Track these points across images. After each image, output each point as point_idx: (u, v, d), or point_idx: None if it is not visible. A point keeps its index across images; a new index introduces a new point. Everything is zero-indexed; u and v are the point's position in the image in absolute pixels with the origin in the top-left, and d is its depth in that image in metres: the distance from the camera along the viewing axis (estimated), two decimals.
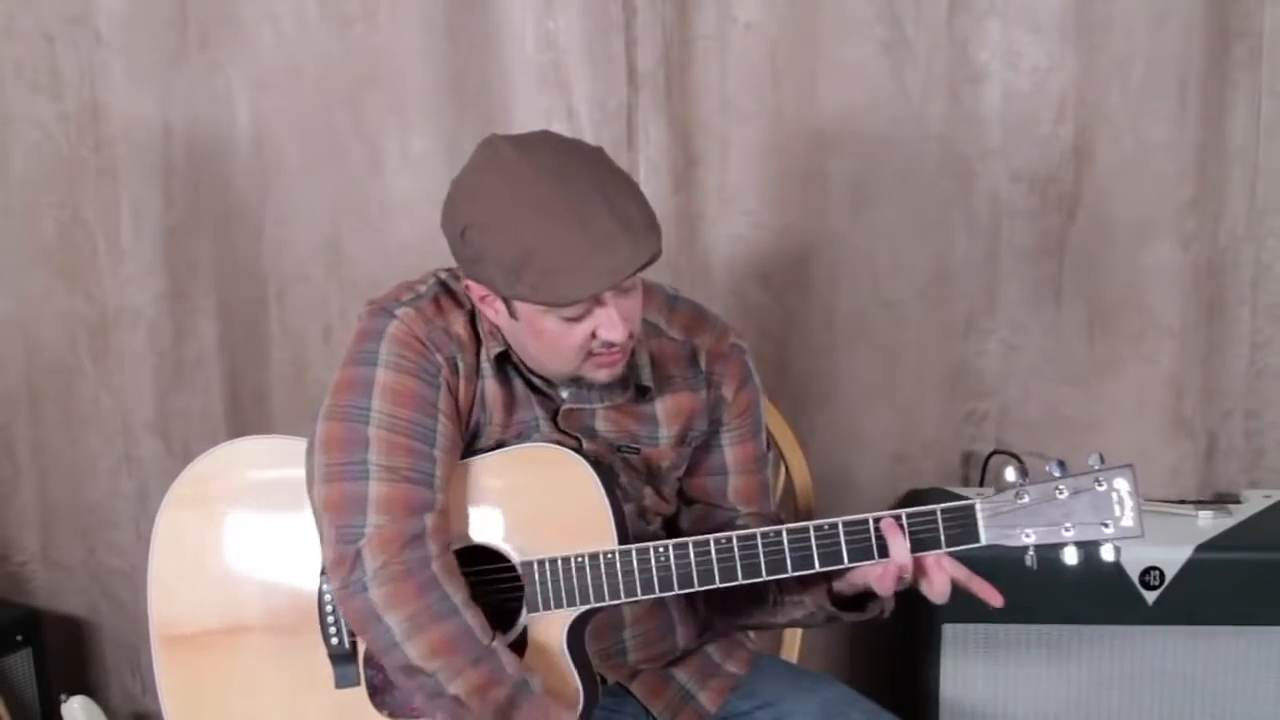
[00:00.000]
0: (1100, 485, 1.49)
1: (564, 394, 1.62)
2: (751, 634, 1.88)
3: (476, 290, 1.54)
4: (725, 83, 2.28)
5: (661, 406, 1.65)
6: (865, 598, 1.60)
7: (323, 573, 1.60)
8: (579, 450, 1.60)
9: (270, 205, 2.35)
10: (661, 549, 1.55)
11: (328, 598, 1.61)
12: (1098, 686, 2.12)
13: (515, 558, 1.57)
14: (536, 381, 1.61)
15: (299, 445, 1.59)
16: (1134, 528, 1.49)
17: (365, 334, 1.58)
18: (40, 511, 2.49)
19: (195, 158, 2.33)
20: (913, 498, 2.38)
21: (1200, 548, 2.07)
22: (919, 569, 1.52)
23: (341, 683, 1.62)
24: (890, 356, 2.37)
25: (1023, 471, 1.51)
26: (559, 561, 1.56)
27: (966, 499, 1.52)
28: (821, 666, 2.35)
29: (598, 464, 1.59)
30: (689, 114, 2.30)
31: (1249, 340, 2.38)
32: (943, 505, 1.52)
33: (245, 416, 2.41)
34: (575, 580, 1.55)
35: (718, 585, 1.55)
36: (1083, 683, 2.12)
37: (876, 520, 1.52)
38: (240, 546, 1.66)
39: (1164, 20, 2.22)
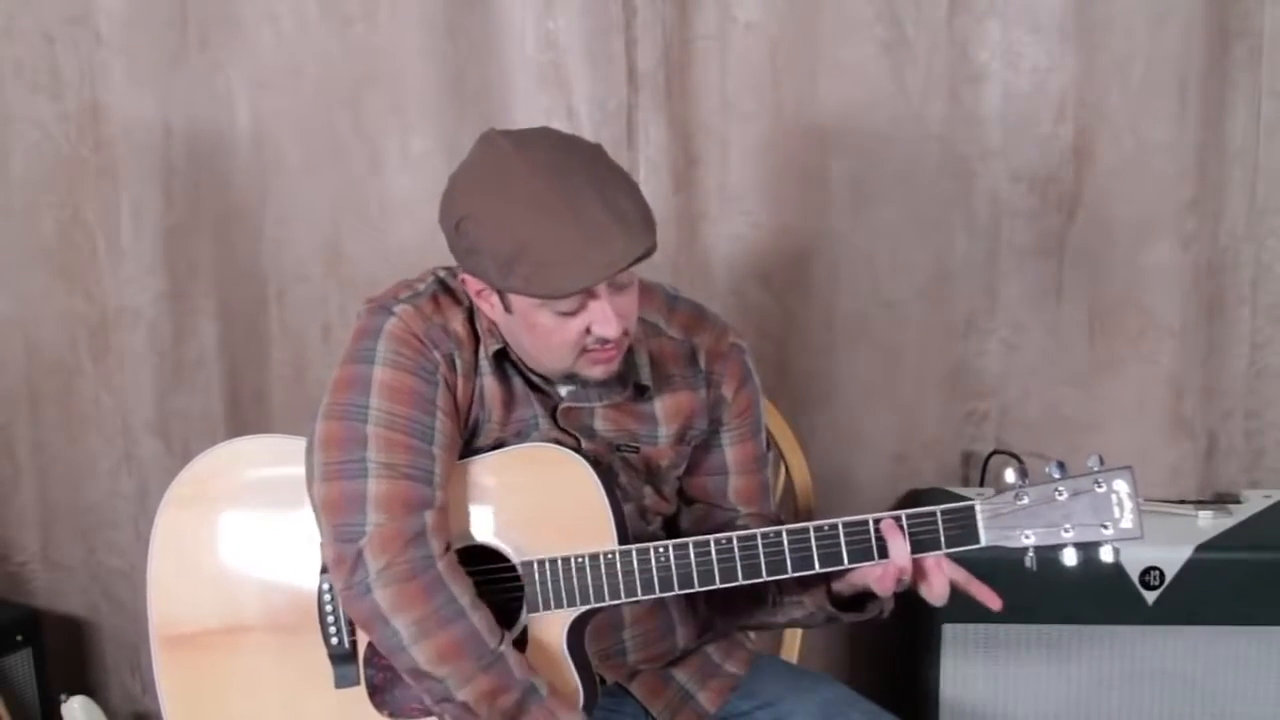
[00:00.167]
0: (1100, 487, 1.49)
1: (563, 392, 1.62)
2: (751, 634, 1.88)
3: (473, 284, 1.54)
4: (725, 83, 2.28)
5: (661, 405, 1.65)
6: (864, 598, 1.60)
7: (323, 572, 1.61)
8: (578, 449, 1.60)
9: (270, 205, 2.35)
10: (661, 549, 1.55)
11: (327, 597, 1.61)
12: (1098, 686, 2.12)
13: (515, 557, 1.57)
14: (535, 379, 1.61)
15: (298, 445, 1.59)
16: (1133, 529, 1.49)
17: (363, 332, 1.59)
18: (40, 511, 2.49)
19: (195, 158, 2.33)
20: (913, 498, 2.38)
21: (1200, 548, 2.07)
22: (918, 571, 1.52)
23: (341, 682, 1.62)
24: (890, 356, 2.37)
25: (1022, 472, 1.51)
26: (559, 561, 1.56)
27: (966, 499, 1.52)
28: (821, 666, 2.35)
29: (597, 464, 1.59)
30: (689, 114, 2.30)
31: (1249, 340, 2.38)
32: (943, 506, 1.52)
33: (245, 416, 2.41)
34: (575, 580, 1.56)
35: (718, 586, 1.55)
36: (1083, 683, 2.12)
37: (876, 521, 1.52)
38: (240, 546, 1.66)
39: (1164, 20, 2.22)
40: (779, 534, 1.54)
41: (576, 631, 1.57)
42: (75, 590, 2.51)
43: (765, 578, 1.54)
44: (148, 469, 2.42)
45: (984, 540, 1.51)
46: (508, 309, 1.52)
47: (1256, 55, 2.27)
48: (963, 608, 1.95)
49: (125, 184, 2.33)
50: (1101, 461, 1.50)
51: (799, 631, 1.96)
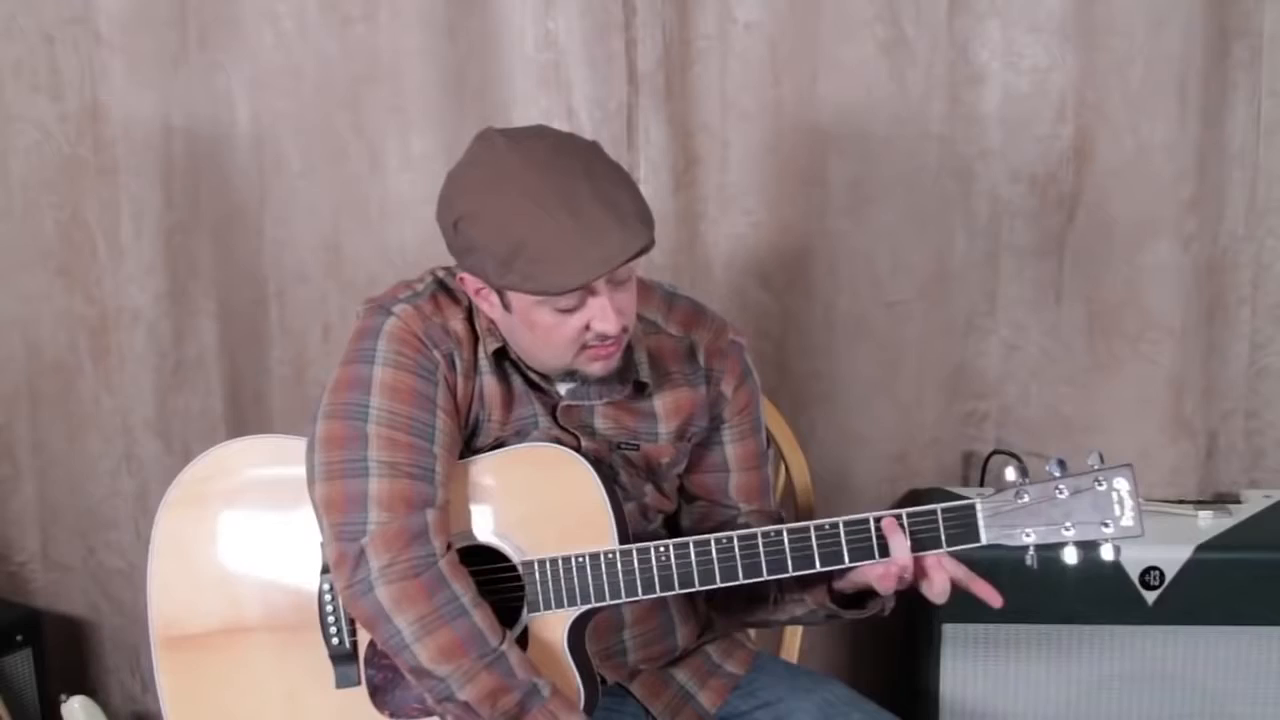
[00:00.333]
0: (1100, 485, 1.49)
1: (562, 390, 1.62)
2: (752, 633, 1.88)
3: (471, 283, 1.54)
4: (725, 83, 2.28)
5: (660, 403, 1.65)
6: (866, 595, 1.60)
7: (324, 572, 1.61)
8: (578, 448, 1.60)
9: (270, 205, 2.35)
10: (662, 549, 1.55)
11: (328, 597, 1.61)
12: (1098, 686, 2.12)
13: (515, 557, 1.57)
14: (534, 378, 1.61)
15: (298, 444, 1.59)
16: (1134, 527, 1.49)
17: (363, 332, 1.59)
18: (40, 511, 2.49)
19: (195, 158, 2.33)
20: (913, 498, 2.38)
21: (1200, 548, 2.07)
22: (919, 569, 1.52)
23: (342, 682, 1.62)
24: (890, 356, 2.37)
25: (1023, 471, 1.51)
26: (559, 561, 1.56)
27: (966, 499, 1.52)
28: (821, 666, 2.35)
29: (597, 463, 1.59)
30: (689, 114, 2.30)
31: (1249, 340, 2.38)
32: (943, 505, 1.52)
33: (245, 416, 2.41)
34: (576, 580, 1.56)
35: (718, 585, 1.55)
36: (1083, 683, 2.12)
37: (877, 520, 1.52)
38: (240, 546, 1.66)
39: (1164, 20, 2.22)
40: (779, 533, 1.54)
41: (577, 631, 1.57)
42: (75, 590, 2.51)
43: (765, 577, 1.54)
44: (148, 469, 2.42)
45: (984, 539, 1.51)
46: (507, 307, 1.52)
47: (1256, 55, 2.27)
48: (963, 608, 1.95)
49: (125, 184, 2.33)
50: (1102, 459, 1.50)
51: (799, 631, 1.96)
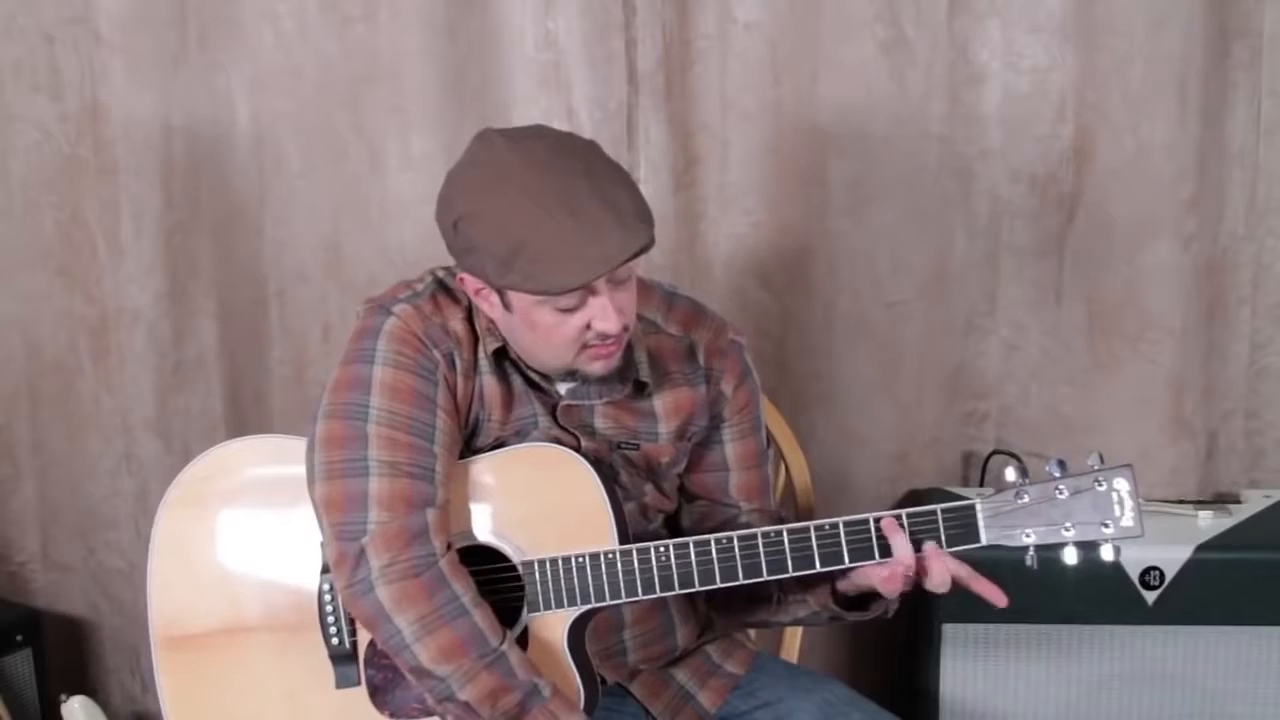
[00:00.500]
0: (1100, 485, 1.49)
1: (562, 390, 1.62)
2: (751, 633, 1.88)
3: (471, 284, 1.54)
4: (725, 83, 2.28)
5: (660, 402, 1.65)
6: (869, 597, 1.60)
7: (324, 572, 1.61)
8: (578, 448, 1.60)
9: (270, 205, 2.35)
10: (662, 549, 1.55)
11: (328, 597, 1.61)
12: (1098, 686, 2.12)
13: (515, 557, 1.57)
14: (534, 377, 1.61)
15: (298, 444, 1.59)
16: (1134, 527, 1.49)
17: (363, 332, 1.59)
18: (40, 511, 2.49)
19: (195, 158, 2.33)
20: (913, 498, 2.38)
21: (1200, 548, 2.07)
22: (920, 567, 1.52)
23: (342, 683, 1.62)
24: (890, 356, 2.37)
25: (1023, 471, 1.51)
26: (559, 561, 1.56)
27: (966, 499, 1.52)
28: (821, 666, 2.35)
29: (597, 463, 1.59)
30: (689, 114, 2.30)
31: (1249, 340, 2.38)
32: (943, 505, 1.52)
33: (245, 416, 2.41)
34: (576, 580, 1.56)
35: (718, 585, 1.55)
36: (1083, 683, 2.12)
37: (877, 520, 1.52)
38: (240, 546, 1.66)
39: (1164, 20, 2.22)
40: (779, 533, 1.54)
41: (577, 631, 1.57)
42: (75, 590, 2.51)
43: (765, 577, 1.54)
44: (148, 469, 2.42)
45: (984, 539, 1.51)
46: (507, 307, 1.52)
47: (1256, 55, 2.27)
48: (963, 608, 1.95)
49: (125, 184, 2.33)
50: (1102, 459, 1.50)
51: (799, 631, 1.96)
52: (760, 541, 1.54)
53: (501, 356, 1.60)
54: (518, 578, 1.57)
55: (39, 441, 2.46)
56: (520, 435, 1.62)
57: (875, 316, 2.36)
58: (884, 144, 2.29)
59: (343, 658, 1.61)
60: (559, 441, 1.60)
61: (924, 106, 2.28)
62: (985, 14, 2.26)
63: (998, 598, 1.52)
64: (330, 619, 1.61)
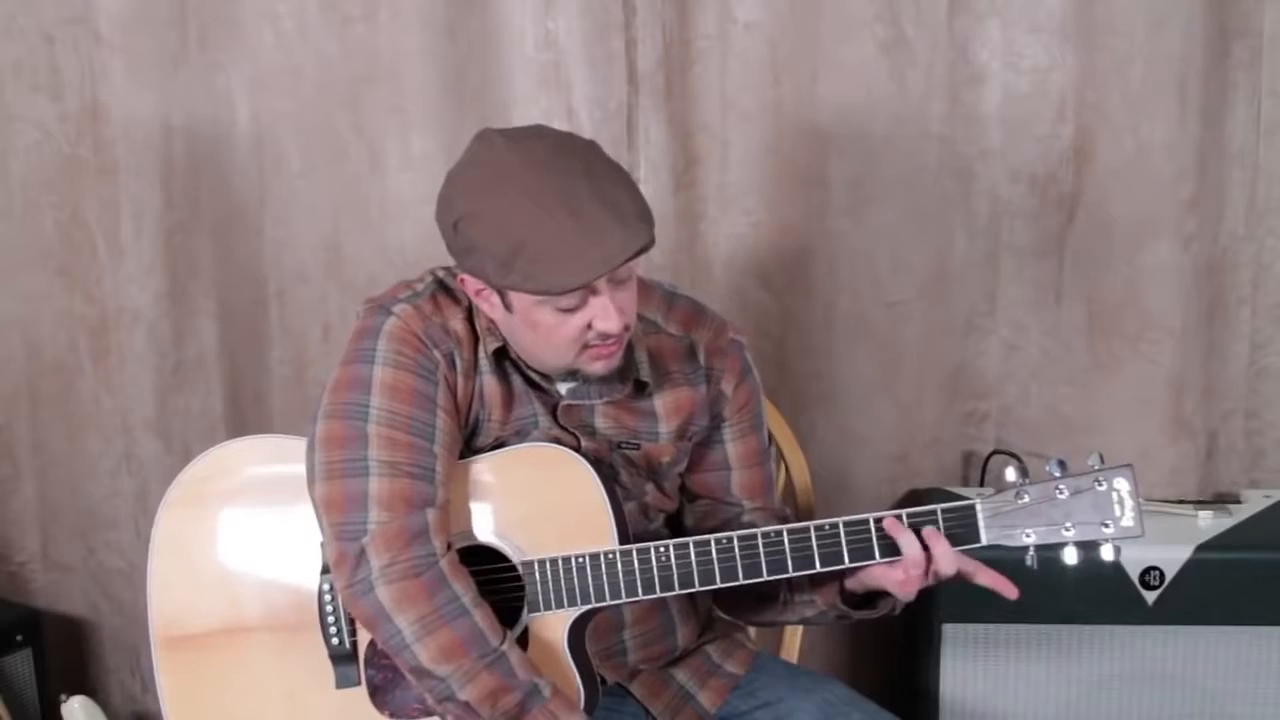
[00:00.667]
0: (1100, 485, 1.49)
1: (562, 390, 1.62)
2: (752, 633, 1.88)
3: (472, 284, 1.54)
4: (725, 83, 2.28)
5: (661, 402, 1.65)
6: (877, 595, 1.60)
7: (324, 572, 1.61)
8: (578, 448, 1.60)
9: (270, 205, 2.35)
10: (662, 549, 1.55)
11: (328, 597, 1.61)
12: (1098, 686, 2.12)
13: (515, 557, 1.57)
14: (535, 377, 1.61)
15: (298, 444, 1.59)
16: (1134, 527, 1.49)
17: (363, 332, 1.59)
18: (40, 511, 2.49)
19: (195, 158, 2.33)
20: (913, 498, 2.38)
21: (1200, 548, 2.07)
22: (926, 555, 1.51)
23: (342, 683, 1.62)
24: (890, 356, 2.37)
25: (1023, 471, 1.51)
26: (559, 561, 1.56)
27: (966, 499, 1.52)
28: (821, 666, 2.35)
29: (598, 463, 1.59)
30: (689, 114, 2.30)
31: (1249, 340, 2.38)
32: (943, 505, 1.52)
33: (245, 416, 2.41)
34: (576, 580, 1.56)
35: (719, 585, 1.55)
36: (1083, 683, 2.12)
37: (878, 520, 1.52)
38: (240, 546, 1.66)
39: (1164, 20, 2.22)
40: (780, 534, 1.54)
41: (577, 631, 1.57)
42: (75, 590, 2.51)
43: (766, 577, 1.54)
44: (148, 469, 2.42)
45: (985, 539, 1.51)
46: (508, 307, 1.52)
47: (1256, 55, 2.27)
48: (963, 608, 1.95)
49: (125, 184, 2.33)
50: (1102, 460, 1.50)
51: (799, 631, 1.96)
52: (760, 542, 1.54)
53: (501, 356, 1.60)
54: (518, 578, 1.57)
55: (39, 441, 2.46)
56: (520, 435, 1.62)
57: (875, 316, 2.36)
58: (884, 144, 2.29)
59: (343, 658, 1.61)
60: (559, 441, 1.60)
61: (924, 106, 2.28)
62: (985, 14, 2.26)
63: (1007, 589, 1.51)
64: (330, 619, 1.61)
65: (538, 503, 1.59)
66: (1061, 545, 1.50)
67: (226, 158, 2.34)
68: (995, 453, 2.38)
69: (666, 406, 1.65)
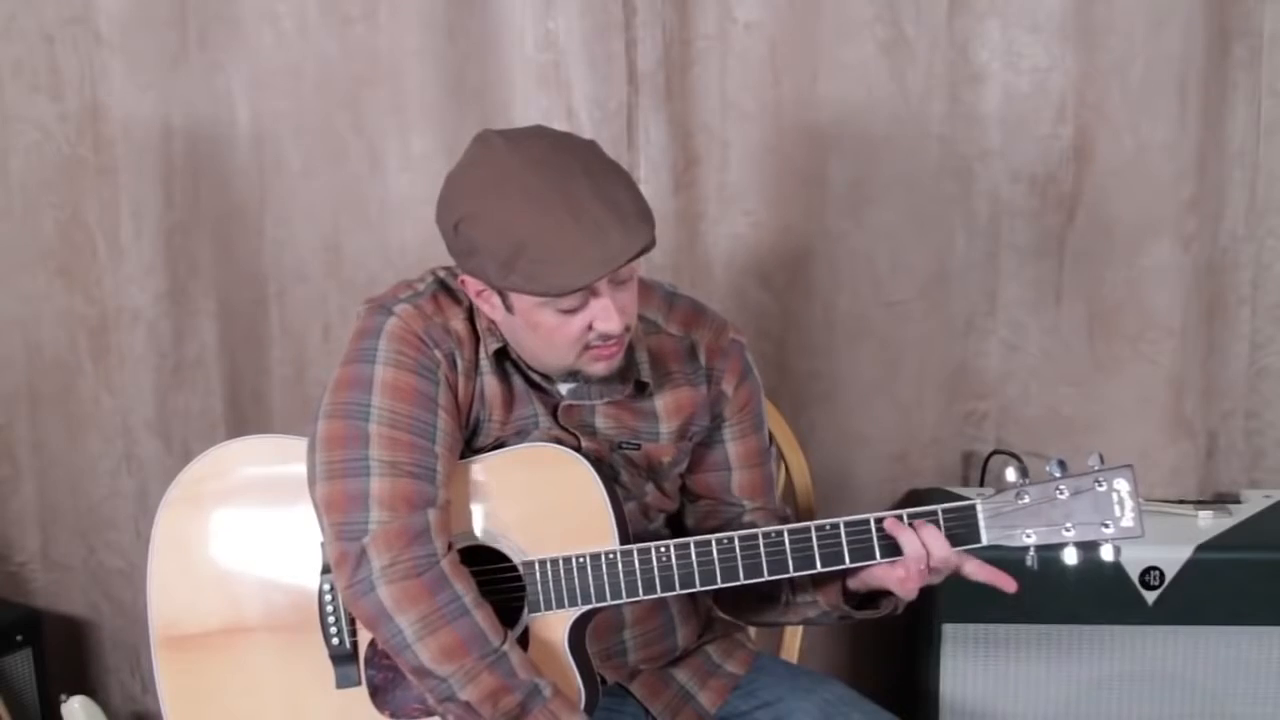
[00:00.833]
0: (1100, 485, 1.49)
1: (563, 390, 1.62)
2: (752, 633, 1.88)
3: (473, 285, 1.54)
4: (725, 83, 2.28)
5: (661, 402, 1.65)
6: (879, 594, 1.60)
7: (324, 572, 1.61)
8: (578, 448, 1.60)
9: (270, 205, 2.35)
10: (663, 549, 1.55)
11: (328, 597, 1.61)
12: (1098, 686, 2.12)
13: (516, 558, 1.57)
14: (535, 378, 1.61)
15: (298, 444, 1.59)
16: (1134, 528, 1.49)
17: (363, 332, 1.59)
18: (40, 511, 2.49)
19: (195, 158, 2.33)
20: (913, 498, 2.38)
21: (1200, 548, 2.07)
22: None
23: (342, 683, 1.62)
24: (890, 356, 2.37)
25: (1023, 472, 1.51)
26: (560, 561, 1.56)
27: (967, 499, 1.53)
28: (821, 666, 2.35)
29: (598, 463, 1.59)
30: (689, 114, 2.30)
31: (1249, 340, 2.38)
32: (943, 505, 1.52)
33: (245, 416, 2.41)
34: (577, 580, 1.56)
35: (719, 586, 1.55)
36: (1083, 683, 2.12)
37: (878, 520, 1.52)
38: (240, 546, 1.66)
39: (1164, 20, 2.22)
40: (780, 534, 1.54)
41: (578, 631, 1.57)
42: (75, 590, 2.51)
43: (766, 577, 1.54)
44: (148, 469, 2.42)
45: (985, 539, 1.51)
46: (509, 308, 1.52)
47: (1256, 55, 2.27)
48: (963, 608, 1.95)
49: (125, 184, 2.33)
50: (1102, 460, 1.50)
51: (799, 631, 1.96)
52: (761, 541, 1.54)
53: (502, 356, 1.60)
54: (518, 578, 1.57)
55: (39, 441, 2.46)
56: (521, 435, 1.62)
57: (875, 316, 2.36)
58: (884, 144, 2.29)
59: (343, 658, 1.61)
60: (560, 441, 1.60)
61: (924, 106, 2.28)
62: (985, 14, 2.26)
63: (1007, 584, 1.51)
64: (331, 619, 1.61)
65: (538, 503, 1.59)
66: (1062, 545, 1.50)
67: (226, 158, 2.34)
68: (995, 453, 2.38)
69: (667, 407, 1.65)
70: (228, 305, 2.39)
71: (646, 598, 1.56)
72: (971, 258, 2.35)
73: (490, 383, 1.60)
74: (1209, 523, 2.16)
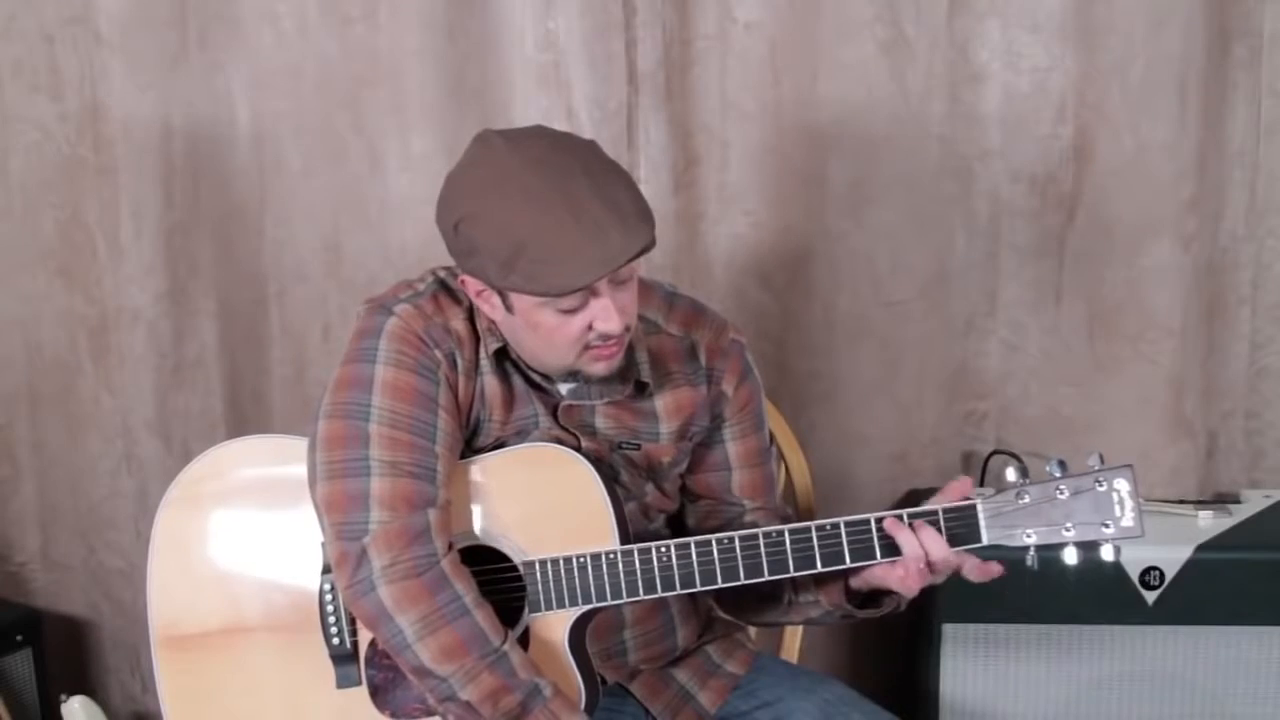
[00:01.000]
0: (1100, 485, 1.49)
1: (563, 390, 1.62)
2: (752, 633, 1.88)
3: (473, 285, 1.54)
4: (725, 83, 2.28)
5: (661, 402, 1.65)
6: (881, 593, 1.60)
7: (324, 572, 1.61)
8: (579, 448, 1.60)
9: (270, 205, 2.35)
10: (663, 549, 1.55)
11: (329, 597, 1.61)
12: (1098, 686, 2.12)
13: (516, 558, 1.57)
14: (535, 378, 1.61)
15: (299, 444, 1.59)
16: (1134, 528, 1.49)
17: (364, 331, 1.59)
18: (40, 511, 2.49)
19: (195, 158, 2.33)
20: (913, 498, 2.38)
21: (1200, 548, 2.07)
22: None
23: (343, 683, 1.62)
24: (890, 356, 2.37)
25: (1023, 472, 1.52)
26: (560, 561, 1.56)
27: (967, 499, 1.52)
28: (821, 666, 2.35)
29: (598, 463, 1.59)
30: (689, 114, 2.30)
31: (1249, 340, 2.38)
32: (944, 505, 1.52)
33: (245, 416, 2.41)
34: (577, 580, 1.56)
35: (719, 586, 1.55)
36: (1083, 683, 2.12)
37: (878, 520, 1.52)
38: (240, 546, 1.66)
39: (1164, 21, 2.22)
40: (781, 533, 1.54)
41: (578, 631, 1.57)
42: (75, 590, 2.51)
43: (767, 577, 1.54)
44: (148, 469, 2.42)
45: (985, 539, 1.51)
46: (509, 309, 1.52)
47: (1256, 55, 2.27)
48: (963, 608, 1.95)
49: (125, 184, 2.33)
50: (1102, 460, 1.50)
51: (799, 631, 1.96)
52: (761, 541, 1.54)
53: (502, 356, 1.60)
54: (519, 578, 1.57)
55: (39, 441, 2.46)
56: (521, 435, 1.62)
57: (875, 316, 2.36)
58: (884, 144, 2.29)
59: (343, 657, 1.61)
60: (560, 441, 1.60)
61: (924, 106, 2.28)
62: (985, 14, 2.26)
63: (994, 569, 1.51)
64: (331, 619, 1.61)
65: (538, 503, 1.59)
66: (1062, 545, 1.50)
67: (226, 158, 2.34)
68: (995, 453, 2.38)
69: (667, 407, 1.65)
70: (228, 305, 2.39)
71: (647, 598, 1.56)
72: (971, 258, 2.35)
73: (490, 383, 1.60)
74: (1209, 523, 2.16)
